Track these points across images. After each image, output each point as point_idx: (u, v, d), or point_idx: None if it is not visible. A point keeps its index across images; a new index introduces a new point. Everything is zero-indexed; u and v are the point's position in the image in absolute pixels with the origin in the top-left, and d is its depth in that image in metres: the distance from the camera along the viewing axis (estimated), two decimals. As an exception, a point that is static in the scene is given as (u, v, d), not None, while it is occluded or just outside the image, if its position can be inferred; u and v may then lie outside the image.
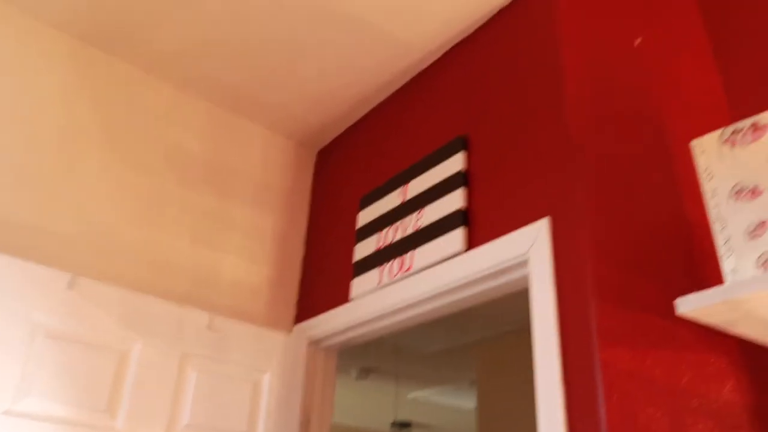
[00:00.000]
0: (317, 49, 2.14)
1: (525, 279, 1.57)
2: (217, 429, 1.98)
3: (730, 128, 1.18)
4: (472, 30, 2.03)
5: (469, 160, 1.81)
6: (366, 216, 2.13)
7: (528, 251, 1.49)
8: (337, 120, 2.50)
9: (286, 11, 1.99)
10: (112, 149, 2.10)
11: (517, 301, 1.71)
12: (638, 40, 1.65)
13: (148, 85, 2.27)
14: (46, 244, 1.88)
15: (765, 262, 1.08)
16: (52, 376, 1.70)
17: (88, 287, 1.84)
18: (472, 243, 1.69)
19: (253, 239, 2.33)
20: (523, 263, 1.53)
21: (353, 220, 2.23)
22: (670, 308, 1.31)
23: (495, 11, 1.95)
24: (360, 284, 2.01)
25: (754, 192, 1.12)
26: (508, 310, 4.14)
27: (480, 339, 4.73)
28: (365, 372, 5.63)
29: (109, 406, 1.79)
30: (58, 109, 2.03)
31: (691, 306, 1.07)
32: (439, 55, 2.14)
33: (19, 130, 1.95)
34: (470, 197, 1.76)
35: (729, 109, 1.54)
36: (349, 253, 2.17)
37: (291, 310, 2.35)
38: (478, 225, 1.69)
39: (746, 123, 1.17)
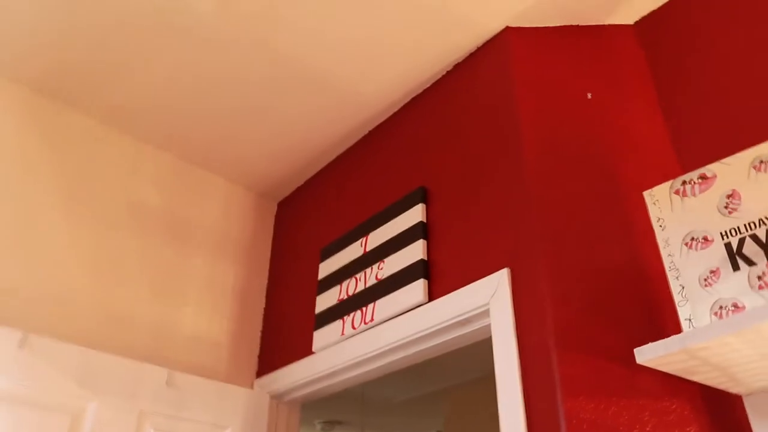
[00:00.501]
0: (277, 104, 2.15)
1: (487, 328, 1.57)
2: (176, 491, 1.91)
3: (680, 179, 1.22)
4: (429, 83, 2.07)
5: (429, 211, 1.82)
6: (327, 267, 2.12)
7: (489, 301, 1.50)
8: (297, 172, 2.50)
9: (245, 71, 2.01)
10: (69, 202, 2.06)
11: (484, 347, 1.71)
12: (590, 95, 1.70)
13: (108, 137, 2.25)
14: (-3, 303, 1.82)
15: (719, 309, 1.10)
16: (0, 441, 1.63)
17: (41, 345, 1.77)
18: (433, 294, 1.69)
19: (213, 292, 2.30)
20: (485, 313, 1.53)
21: (314, 272, 2.22)
22: (631, 356, 1.32)
23: (451, 66, 1.99)
24: (322, 336, 1.98)
25: (705, 241, 1.15)
26: (475, 356, 4.13)
27: (447, 387, 4.69)
28: (330, 425, 5.51)
29: (60, 471, 1.71)
30: (14, 162, 1.99)
31: (649, 355, 1.07)
32: (398, 107, 2.17)
33: (-29, 185, 1.90)
34: (431, 248, 1.76)
35: (678, 158, 1.59)
36: (311, 304, 2.15)
37: (253, 364, 2.30)
38: (439, 276, 1.70)
39: (694, 174, 1.20)
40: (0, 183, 1.94)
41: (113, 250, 2.10)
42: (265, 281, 2.49)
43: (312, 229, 2.35)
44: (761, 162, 1.13)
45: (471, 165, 1.76)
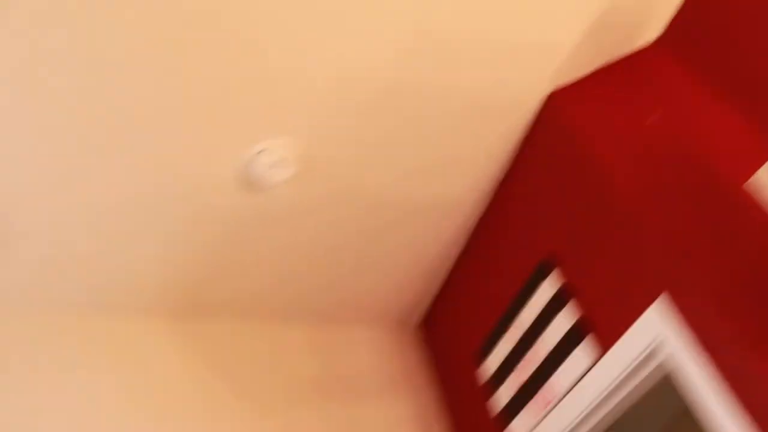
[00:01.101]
0: (377, 244, 2.30)
1: (667, 363, 1.57)
2: None
3: (777, 155, 1.27)
4: (507, 168, 2.16)
5: (562, 273, 1.88)
6: (489, 367, 2.18)
7: (660, 333, 1.52)
8: (422, 292, 2.62)
9: (339, 230, 2.18)
10: (238, 402, 2.17)
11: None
12: (653, 118, 1.78)
13: (246, 330, 2.39)
14: None
15: None
16: None
17: None
18: (601, 350, 1.72)
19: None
20: (660, 346, 1.54)
21: (475, 378, 2.27)
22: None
23: (519, 144, 2.09)
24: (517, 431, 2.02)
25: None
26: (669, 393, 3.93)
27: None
28: None
29: None
30: (178, 391, 2.11)
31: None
32: (488, 199, 2.27)
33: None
34: (579, 307, 1.81)
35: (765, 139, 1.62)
36: (486, 409, 2.18)
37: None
38: (599, 331, 1.73)
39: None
40: (176, 415, 2.06)
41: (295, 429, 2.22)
42: (438, 410, 2.53)
43: (458, 338, 2.43)
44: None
45: (584, 218, 1.81)
